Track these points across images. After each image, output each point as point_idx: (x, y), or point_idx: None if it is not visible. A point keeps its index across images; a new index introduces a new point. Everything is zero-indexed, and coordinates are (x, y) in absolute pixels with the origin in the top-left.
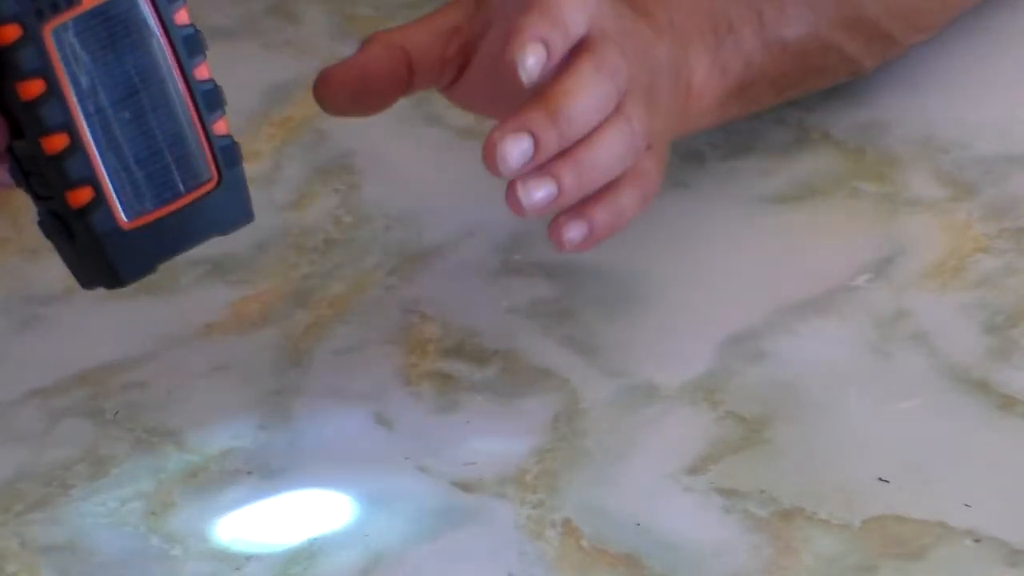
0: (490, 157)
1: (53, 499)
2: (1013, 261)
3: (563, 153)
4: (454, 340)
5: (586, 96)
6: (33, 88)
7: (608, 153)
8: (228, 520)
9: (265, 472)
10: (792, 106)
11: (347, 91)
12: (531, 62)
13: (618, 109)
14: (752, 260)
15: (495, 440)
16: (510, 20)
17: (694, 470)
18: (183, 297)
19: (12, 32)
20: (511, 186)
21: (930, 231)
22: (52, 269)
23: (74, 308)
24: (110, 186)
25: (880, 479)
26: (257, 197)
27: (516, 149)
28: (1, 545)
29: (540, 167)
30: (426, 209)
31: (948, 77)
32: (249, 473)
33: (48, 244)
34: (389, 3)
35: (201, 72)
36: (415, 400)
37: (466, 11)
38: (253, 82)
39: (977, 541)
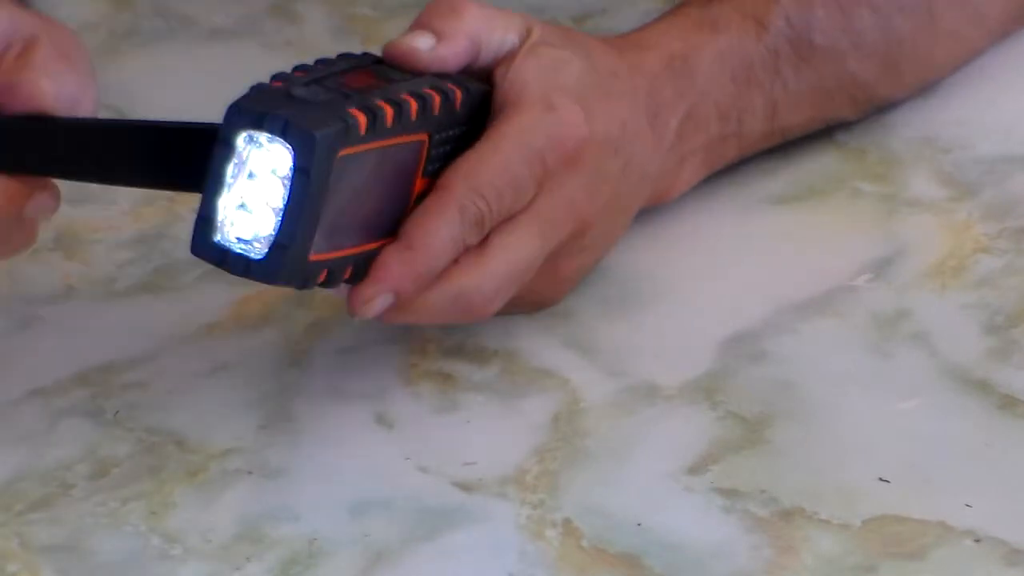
0: (354, 308)
1: (53, 499)
2: (1013, 261)
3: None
4: (454, 340)
5: (447, 244)
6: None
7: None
8: (228, 520)
9: (265, 472)
10: None
11: None
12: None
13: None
14: (752, 260)
15: (495, 440)
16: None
17: (694, 470)
18: (183, 297)
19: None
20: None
21: (930, 231)
22: (52, 269)
23: (74, 308)
24: None
25: (880, 479)
26: None
27: (379, 307)
28: (1, 545)
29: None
30: None
31: (948, 77)
32: (249, 473)
33: (48, 244)
34: (389, 3)
35: None
36: (415, 400)
37: None
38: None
39: (977, 541)
